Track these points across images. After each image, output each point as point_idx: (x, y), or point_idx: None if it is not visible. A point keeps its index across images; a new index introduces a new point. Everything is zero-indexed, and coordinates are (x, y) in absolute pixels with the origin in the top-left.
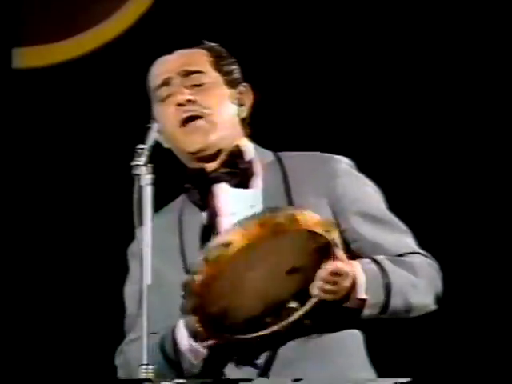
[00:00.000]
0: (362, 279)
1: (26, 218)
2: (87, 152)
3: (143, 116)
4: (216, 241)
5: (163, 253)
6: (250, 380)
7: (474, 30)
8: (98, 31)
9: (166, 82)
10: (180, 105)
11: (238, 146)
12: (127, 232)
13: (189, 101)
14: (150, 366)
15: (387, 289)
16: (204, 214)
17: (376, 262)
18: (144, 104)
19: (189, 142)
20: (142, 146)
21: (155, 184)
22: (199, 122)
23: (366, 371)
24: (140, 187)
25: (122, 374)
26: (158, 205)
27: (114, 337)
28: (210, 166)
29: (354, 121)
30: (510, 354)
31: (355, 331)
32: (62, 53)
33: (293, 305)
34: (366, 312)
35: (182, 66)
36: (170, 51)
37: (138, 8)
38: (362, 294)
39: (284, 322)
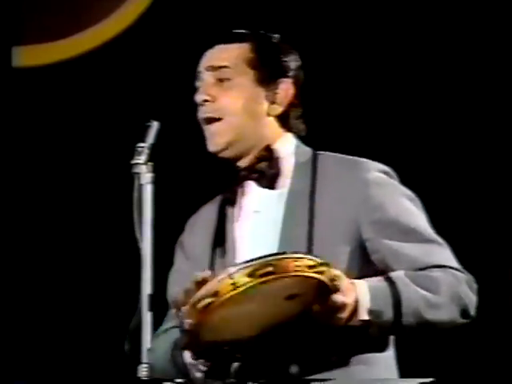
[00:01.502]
0: (365, 300)
1: (25, 217)
2: (87, 150)
3: (143, 114)
4: (203, 290)
5: (198, 243)
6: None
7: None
8: (97, 30)
9: (197, 76)
10: (199, 104)
11: (269, 146)
12: (127, 231)
13: (206, 101)
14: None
15: (396, 307)
16: (230, 211)
17: (388, 279)
18: (144, 102)
19: (209, 141)
20: (141, 145)
21: (155, 182)
22: (216, 125)
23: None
24: (140, 186)
25: (151, 360)
26: (159, 204)
27: (113, 337)
28: (241, 163)
29: (399, 129)
30: None
31: (383, 356)
32: (61, 52)
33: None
34: (373, 331)
35: (210, 61)
36: (169, 51)
37: (137, 7)
38: (363, 316)
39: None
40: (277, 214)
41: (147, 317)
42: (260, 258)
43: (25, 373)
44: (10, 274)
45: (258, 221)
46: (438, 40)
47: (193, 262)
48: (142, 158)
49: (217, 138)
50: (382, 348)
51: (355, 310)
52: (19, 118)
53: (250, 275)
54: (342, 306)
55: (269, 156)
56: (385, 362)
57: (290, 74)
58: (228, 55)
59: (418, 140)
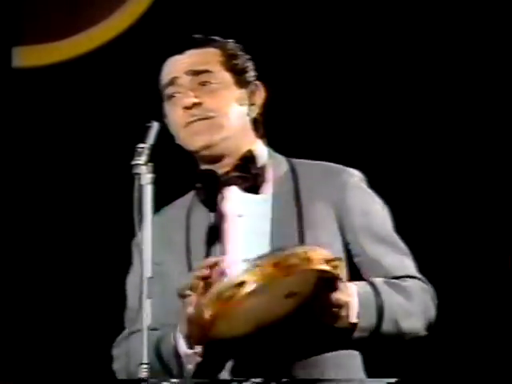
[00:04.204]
0: (355, 303)
1: (26, 217)
2: (87, 151)
3: (143, 115)
4: (230, 280)
5: (168, 247)
6: (244, 380)
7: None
8: (97, 31)
9: (172, 82)
10: (186, 108)
11: (250, 151)
12: (127, 231)
13: (195, 104)
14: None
15: (379, 313)
16: (212, 215)
17: (372, 285)
18: (144, 103)
19: (192, 140)
20: (142, 145)
21: (155, 183)
22: (203, 123)
23: None
24: (140, 186)
25: (118, 367)
26: (159, 204)
27: (113, 336)
28: (222, 169)
29: (370, 134)
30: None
31: (353, 352)
32: (61, 52)
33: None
34: (356, 334)
35: (189, 66)
36: (169, 51)
37: (137, 8)
38: (353, 318)
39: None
40: (263, 217)
41: (147, 317)
42: (284, 249)
43: (25, 373)
44: (10, 274)
45: (243, 225)
46: (424, 39)
47: (160, 268)
48: (142, 159)
49: (204, 136)
50: (352, 347)
51: (347, 313)
52: (19, 118)
53: (275, 265)
54: (344, 305)
55: (251, 160)
56: (353, 359)
57: (255, 77)
58: (204, 59)
59: (384, 145)
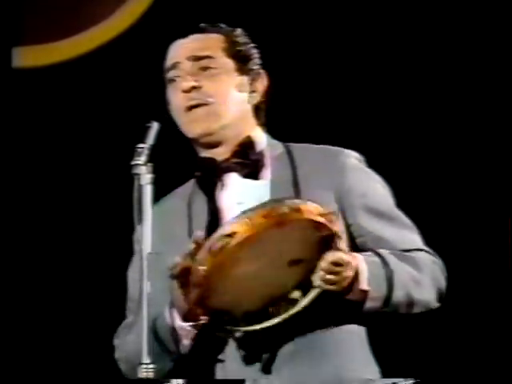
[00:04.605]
0: (364, 271)
1: (26, 217)
2: (87, 151)
3: (143, 115)
4: (220, 231)
5: (170, 237)
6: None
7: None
8: (98, 31)
9: (174, 66)
10: (185, 91)
11: (249, 137)
12: (127, 231)
13: (194, 87)
14: (151, 366)
15: (390, 282)
16: (211, 203)
17: (379, 255)
18: (144, 103)
19: (191, 127)
20: (141, 145)
21: (155, 183)
22: (202, 109)
23: (368, 371)
24: (140, 186)
25: (118, 356)
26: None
27: (113, 337)
28: (221, 155)
29: (368, 116)
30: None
31: (358, 329)
32: (62, 52)
33: (295, 295)
34: (368, 305)
35: (191, 52)
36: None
37: (137, 7)
38: (364, 285)
39: (285, 314)
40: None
41: (147, 317)
42: (274, 200)
43: (25, 373)
44: (10, 274)
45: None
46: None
47: (161, 257)
48: (141, 159)
49: (202, 123)
50: (359, 318)
51: (356, 280)
52: (19, 118)
53: (265, 216)
54: (347, 263)
55: (250, 146)
56: (358, 333)
57: (259, 65)
58: (207, 45)
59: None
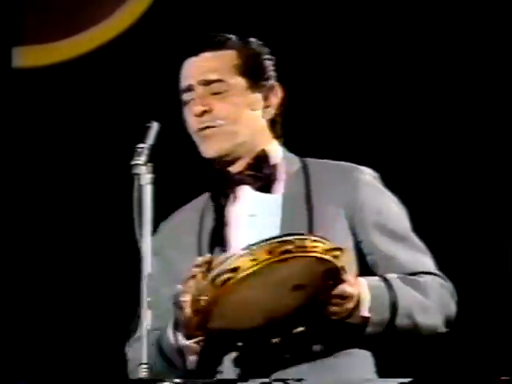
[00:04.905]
0: (366, 297)
1: (26, 218)
2: (87, 151)
3: (143, 115)
4: (224, 265)
5: (181, 248)
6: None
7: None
8: (98, 31)
9: (187, 88)
10: (197, 116)
11: (264, 151)
12: (127, 231)
13: (205, 111)
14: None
15: (393, 308)
16: (223, 214)
17: (385, 280)
18: (144, 103)
19: (204, 148)
20: (141, 145)
21: (155, 183)
22: (211, 131)
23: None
24: (140, 186)
25: (131, 368)
26: (158, 204)
27: (113, 337)
28: (235, 168)
29: (387, 134)
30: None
31: (361, 352)
32: (62, 52)
33: (300, 329)
34: (370, 329)
35: (202, 75)
36: (169, 51)
37: (137, 7)
38: (365, 312)
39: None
40: (274, 217)
41: (147, 317)
42: (279, 236)
43: (26, 373)
44: (10, 274)
45: (254, 224)
46: (428, 40)
47: (173, 267)
48: (141, 159)
49: (215, 144)
50: (362, 342)
51: (357, 307)
52: (19, 118)
53: (270, 252)
54: (349, 296)
55: (264, 159)
56: (363, 355)
57: (274, 76)
58: (217, 65)
59: (400, 144)
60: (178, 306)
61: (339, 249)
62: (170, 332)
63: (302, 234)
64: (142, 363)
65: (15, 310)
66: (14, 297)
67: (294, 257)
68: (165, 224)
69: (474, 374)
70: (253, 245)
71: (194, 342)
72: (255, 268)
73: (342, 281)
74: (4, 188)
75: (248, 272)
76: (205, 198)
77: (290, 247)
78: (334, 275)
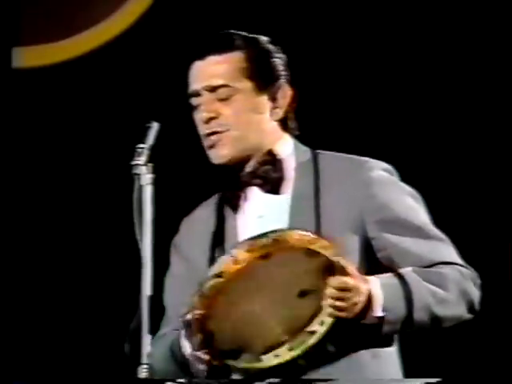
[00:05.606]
0: (379, 296)
1: (26, 218)
2: (87, 151)
3: (143, 115)
4: (208, 274)
5: (196, 246)
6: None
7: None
8: (98, 31)
9: (194, 94)
10: (203, 122)
11: (272, 151)
12: (127, 231)
13: (211, 118)
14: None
15: (409, 304)
16: (233, 216)
17: (399, 275)
18: (144, 103)
19: (212, 154)
20: (142, 146)
21: (155, 183)
22: (217, 137)
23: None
24: (140, 187)
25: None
26: (159, 205)
27: (113, 337)
28: (243, 170)
29: (404, 128)
30: None
31: (390, 352)
32: (62, 52)
33: (314, 328)
34: (386, 328)
35: (208, 80)
36: (169, 51)
37: (138, 7)
38: (378, 312)
39: (303, 346)
40: (282, 217)
41: (147, 318)
42: (259, 234)
43: (24, 373)
44: (10, 274)
45: (263, 225)
46: (436, 37)
47: (190, 265)
48: (141, 159)
49: (222, 150)
50: (388, 343)
51: (369, 306)
52: (19, 119)
53: (248, 250)
54: (353, 289)
55: (271, 160)
56: (390, 356)
57: (283, 75)
58: (223, 70)
59: (417, 138)
60: (184, 325)
61: (326, 241)
62: (181, 338)
63: (282, 230)
64: (141, 363)
65: (15, 310)
66: (14, 297)
67: (273, 251)
68: (186, 220)
69: (502, 374)
70: (233, 247)
71: (204, 353)
72: (237, 267)
73: (343, 274)
74: (4, 188)
75: (231, 273)
76: (216, 198)
77: (265, 242)
78: (335, 272)
